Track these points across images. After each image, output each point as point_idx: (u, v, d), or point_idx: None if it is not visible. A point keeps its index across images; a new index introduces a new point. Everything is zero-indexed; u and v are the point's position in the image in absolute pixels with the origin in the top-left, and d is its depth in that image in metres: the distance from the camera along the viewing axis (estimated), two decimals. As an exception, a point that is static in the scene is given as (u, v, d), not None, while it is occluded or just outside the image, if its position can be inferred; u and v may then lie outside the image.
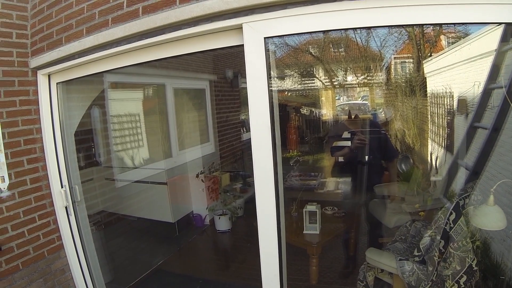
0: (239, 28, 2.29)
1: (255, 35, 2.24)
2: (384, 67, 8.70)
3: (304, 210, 4.21)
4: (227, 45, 2.43)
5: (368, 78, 8.62)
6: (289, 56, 8.69)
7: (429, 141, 6.57)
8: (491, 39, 3.81)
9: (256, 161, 2.35)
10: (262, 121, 2.28)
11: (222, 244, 5.85)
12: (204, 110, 7.64)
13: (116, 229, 5.17)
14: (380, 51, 8.32)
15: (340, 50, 8.82)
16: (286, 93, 8.92)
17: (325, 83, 8.86)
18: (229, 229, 5.77)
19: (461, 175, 3.90)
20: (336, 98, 9.37)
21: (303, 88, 9.04)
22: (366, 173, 4.75)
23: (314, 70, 8.86)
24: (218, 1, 2.28)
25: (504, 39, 3.42)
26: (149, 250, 5.44)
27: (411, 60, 8.50)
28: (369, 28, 2.19)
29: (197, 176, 6.17)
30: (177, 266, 5.26)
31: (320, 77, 8.90)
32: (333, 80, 8.93)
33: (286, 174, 5.95)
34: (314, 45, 8.81)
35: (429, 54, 7.80)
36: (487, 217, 2.72)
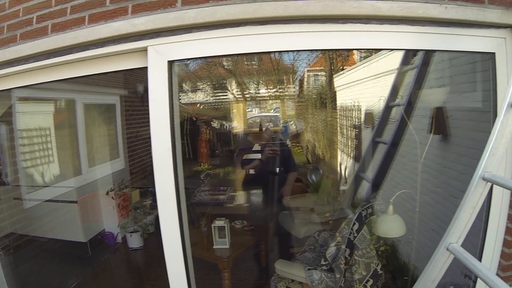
0: (145, 50, 2.28)
1: (159, 58, 2.24)
2: (297, 80, 8.96)
3: (212, 225, 4.22)
4: (132, 67, 2.39)
5: (280, 90, 8.85)
6: (201, 68, 8.72)
7: (339, 152, 6.87)
8: (395, 58, 4.11)
9: (158, 185, 2.35)
10: (163, 145, 2.27)
11: (135, 262, 5.74)
12: (114, 126, 7.48)
13: (27, 253, 4.89)
14: (293, 64, 8.56)
15: (253, 63, 8.98)
16: (198, 105, 8.93)
17: (237, 96, 8.98)
18: (141, 246, 5.68)
19: (362, 188, 4.15)
20: (249, 110, 9.50)
21: (214, 100, 9.10)
22: (276, 185, 4.86)
23: (227, 82, 8.94)
24: (125, 23, 2.27)
25: (404, 61, 3.71)
26: (62, 272, 5.17)
27: (324, 73, 8.83)
28: (274, 52, 2.30)
29: (107, 193, 6.03)
30: (91, 286, 5.11)
31: (232, 89, 9.00)
32: (245, 92, 9.06)
33: (196, 188, 5.96)
34: (227, 58, 8.93)
35: (341, 68, 8.14)
36: (387, 226, 2.94)
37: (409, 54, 3.64)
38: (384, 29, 2.26)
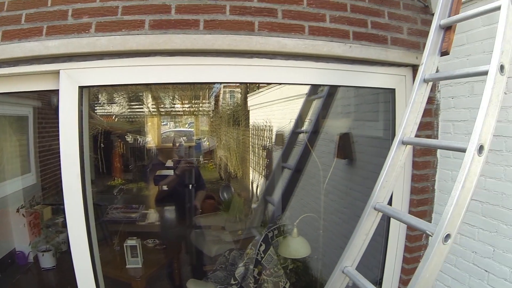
0: (57, 73, 2.25)
1: (70, 83, 2.23)
2: (213, 95, 9.01)
3: (124, 244, 4.15)
4: (45, 88, 2.34)
5: (195, 106, 8.84)
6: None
7: (251, 170, 7.00)
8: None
9: (68, 208, 2.32)
10: (71, 169, 2.25)
11: (48, 282, 5.48)
12: (26, 139, 7.13)
13: None
14: (224, 83, 8.61)
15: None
16: (113, 117, 8.72)
17: (152, 110, 8.87)
18: (54, 266, 5.44)
19: (269, 211, 4.29)
20: (163, 123, 9.41)
21: (130, 113, 8.92)
22: (188, 201, 4.89)
23: (143, 95, 8.81)
24: (39, 44, 2.22)
25: (312, 90, 3.90)
26: None
27: (240, 91, 8.94)
28: (177, 84, 2.36)
29: (18, 210, 5.73)
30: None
31: (148, 103, 8.88)
32: (159, 107, 8.97)
33: (109, 205, 5.83)
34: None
35: (257, 87, 8.27)
36: (292, 248, 3.07)
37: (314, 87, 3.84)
38: (289, 64, 2.41)
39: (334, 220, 4.19)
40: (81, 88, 2.25)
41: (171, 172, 5.04)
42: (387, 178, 2.00)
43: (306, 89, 4.17)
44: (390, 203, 2.38)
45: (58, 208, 6.66)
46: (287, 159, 4.18)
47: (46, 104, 7.31)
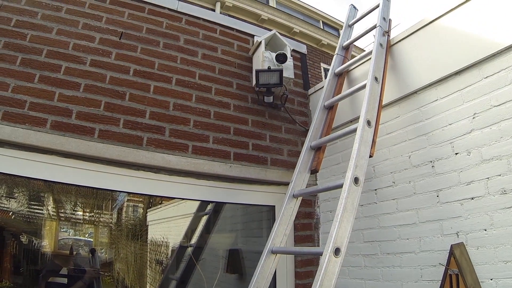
0: None
1: None
2: (116, 208, 8.85)
3: None
4: None
5: (96, 216, 8.62)
6: (20, 176, 8.24)
7: (148, 285, 6.77)
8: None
9: None
10: None
11: None
12: None
13: None
14: (112, 191, 8.51)
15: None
16: (10, 214, 8.26)
17: (52, 213, 8.53)
18: None
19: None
20: (63, 230, 9.02)
21: (28, 213, 8.51)
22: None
23: (45, 196, 8.49)
24: None
25: (200, 207, 4.03)
26: None
27: (142, 205, 8.86)
28: (69, 184, 2.43)
29: None
30: None
31: (48, 205, 8.55)
32: (60, 211, 8.65)
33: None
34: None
35: (160, 202, 8.26)
36: None
37: (205, 202, 3.98)
38: (173, 180, 2.57)
39: None
40: None
41: (65, 280, 4.83)
42: (257, 284, 2.10)
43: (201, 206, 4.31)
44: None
45: None
46: (176, 271, 4.16)
47: None
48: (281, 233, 2.24)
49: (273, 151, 2.95)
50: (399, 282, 2.42)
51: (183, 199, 2.83)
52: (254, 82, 3.02)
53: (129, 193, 4.84)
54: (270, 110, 3.14)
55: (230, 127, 2.85)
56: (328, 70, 4.16)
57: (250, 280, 3.96)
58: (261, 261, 2.17)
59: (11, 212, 8.43)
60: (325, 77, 4.16)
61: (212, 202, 3.60)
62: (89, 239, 9.39)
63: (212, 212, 3.81)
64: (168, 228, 6.60)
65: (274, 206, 2.92)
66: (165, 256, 6.33)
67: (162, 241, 6.49)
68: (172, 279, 4.14)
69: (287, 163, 3.00)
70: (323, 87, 2.96)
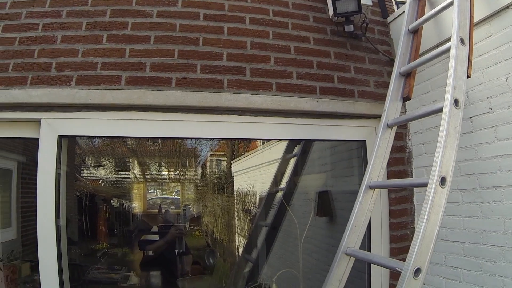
0: (38, 122, 2.34)
1: (50, 131, 2.31)
2: (199, 164, 9.02)
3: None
4: (25, 136, 2.45)
5: (181, 174, 8.84)
6: (105, 145, 8.57)
7: (236, 236, 6.89)
8: (279, 149, 4.35)
9: (41, 253, 2.30)
10: (47, 215, 2.27)
11: None
12: (9, 192, 7.05)
13: None
14: (194, 148, 8.64)
15: (155, 144, 8.96)
16: (99, 182, 8.67)
17: (138, 176, 8.85)
18: None
19: (247, 269, 4.21)
20: (150, 191, 9.35)
21: (116, 179, 8.89)
22: (175, 267, 4.79)
23: (130, 161, 8.81)
24: (23, 92, 2.33)
25: (287, 150, 3.94)
26: None
27: (225, 159, 8.98)
28: (151, 138, 2.42)
29: None
30: None
31: (134, 169, 8.87)
32: (146, 173, 8.96)
33: (90, 266, 5.69)
34: (131, 138, 8.83)
35: (242, 154, 8.32)
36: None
37: (293, 143, 3.89)
38: (259, 120, 2.47)
39: (319, 278, 4.10)
40: (60, 137, 2.32)
41: (156, 237, 4.99)
42: (356, 222, 2.00)
43: (278, 155, 4.24)
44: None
45: (37, 265, 6.47)
46: (265, 218, 4.15)
47: (31, 160, 7.27)
48: (378, 166, 2.10)
49: (359, 83, 2.79)
50: (501, 219, 2.17)
51: (271, 139, 2.75)
52: (331, 12, 2.82)
53: (214, 139, 4.84)
54: (351, 41, 2.95)
55: (312, 61, 2.71)
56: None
57: (339, 222, 3.89)
58: (359, 197, 2.05)
59: (100, 180, 8.86)
60: (397, 7, 3.88)
61: (301, 140, 3.50)
62: (176, 196, 9.70)
63: (299, 154, 3.73)
64: (253, 177, 6.64)
65: (365, 140, 2.77)
66: (252, 205, 6.38)
67: (249, 191, 6.54)
68: (263, 226, 4.13)
69: (375, 94, 2.83)
70: (403, 12, 2.71)
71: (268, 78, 2.55)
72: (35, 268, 6.49)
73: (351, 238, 1.99)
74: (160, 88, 2.40)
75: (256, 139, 2.91)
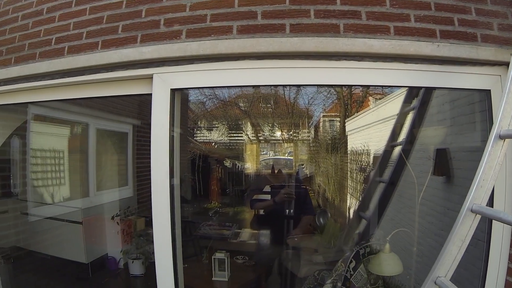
0: (150, 78, 2.43)
1: (163, 86, 2.38)
2: (312, 125, 9.00)
3: (213, 257, 4.24)
4: (139, 92, 2.56)
5: (294, 134, 8.89)
6: (217, 108, 8.83)
7: (348, 196, 6.83)
8: (397, 103, 4.17)
9: (154, 208, 2.41)
10: (161, 169, 2.36)
11: None
12: (125, 154, 7.56)
13: (26, 265, 4.91)
14: (307, 108, 8.62)
15: (268, 105, 9.05)
16: (213, 144, 9.00)
17: (251, 137, 9.04)
18: (142, 274, 5.62)
19: (362, 227, 4.12)
20: (263, 152, 9.53)
21: (229, 141, 9.16)
22: (285, 227, 4.86)
23: (242, 123, 9.02)
24: (134, 50, 2.43)
25: (406, 100, 3.76)
26: None
27: (338, 119, 8.86)
28: (267, 86, 2.41)
29: (113, 218, 6.04)
30: (87, 308, 5.07)
31: (247, 131, 9.06)
32: (259, 134, 9.12)
33: (201, 223, 5.97)
34: (244, 99, 8.99)
35: (355, 113, 8.18)
36: (383, 264, 2.91)
37: (411, 94, 3.70)
38: (377, 66, 2.34)
39: (431, 243, 3.92)
40: (173, 90, 2.39)
41: (268, 197, 5.07)
42: (484, 176, 1.82)
43: (396, 110, 4.06)
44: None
45: (151, 221, 6.93)
46: (382, 174, 4.02)
47: (145, 124, 7.75)
48: (508, 113, 1.87)
49: (481, 26, 2.53)
50: None
51: (391, 86, 2.61)
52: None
53: (333, 85, 4.75)
54: (469, -21, 2.70)
55: (430, 3, 2.49)
56: None
57: (457, 183, 3.66)
58: (487, 148, 1.85)
59: (213, 143, 9.20)
60: None
61: (420, 88, 3.32)
62: (288, 157, 9.82)
63: (418, 106, 3.54)
64: (368, 135, 6.49)
65: (490, 90, 2.52)
66: (366, 163, 6.27)
67: (363, 150, 6.43)
68: (379, 182, 4.02)
69: (499, 39, 2.55)
70: None
71: (385, 22, 2.40)
72: (149, 223, 6.97)
73: (478, 194, 1.80)
74: (274, 35, 2.34)
75: (376, 86, 2.78)
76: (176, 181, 2.47)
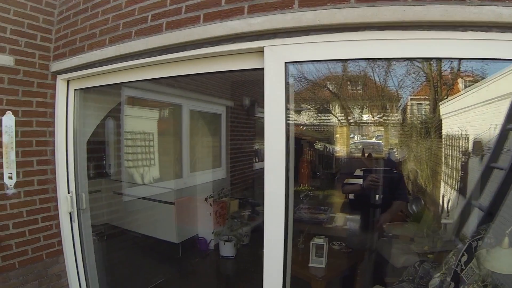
0: (260, 51, 2.32)
1: (276, 59, 2.26)
2: (401, 108, 8.67)
3: (311, 242, 4.13)
4: (247, 67, 2.46)
5: (383, 117, 8.59)
6: (306, 90, 8.70)
7: (442, 183, 6.47)
8: (509, 81, 3.78)
9: (268, 190, 2.32)
10: (277, 146, 2.28)
11: (225, 269, 5.74)
12: (218, 136, 7.64)
13: (118, 243, 5.10)
14: (397, 91, 8.30)
15: (357, 88, 8.80)
16: (301, 127, 8.90)
17: (341, 120, 8.83)
18: (233, 256, 5.65)
19: (474, 217, 3.80)
20: (351, 136, 9.33)
21: (318, 123, 9.01)
22: (376, 213, 4.70)
23: (331, 106, 8.84)
24: (241, 22, 2.31)
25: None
26: (150, 267, 5.32)
27: (427, 102, 8.46)
28: (386, 59, 2.20)
29: (206, 199, 6.10)
30: (176, 287, 5.15)
31: (336, 113, 8.87)
32: (348, 117, 8.90)
33: (295, 206, 5.87)
34: (332, 81, 8.79)
35: (445, 97, 7.78)
36: (501, 260, 2.62)
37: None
38: (506, 37, 2.04)
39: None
40: (286, 64, 2.26)
41: (360, 181, 4.91)
42: None
43: (509, 88, 3.68)
44: None
45: (246, 203, 6.99)
46: (496, 160, 3.67)
47: (239, 105, 7.76)
48: None
49: None
50: None
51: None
52: None
53: (457, 59, 4.42)
54: None
55: None
56: None
57: None
58: None
59: (302, 125, 9.08)
60: None
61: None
62: (378, 141, 9.54)
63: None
64: (466, 119, 6.06)
65: None
66: (464, 149, 5.88)
67: (461, 134, 6.03)
68: (494, 168, 3.68)
69: None
70: None
71: (516, -15, 2.13)
72: (243, 205, 7.00)
73: None
74: (396, 3, 2.12)
75: (506, 60, 2.50)
76: (291, 162, 2.35)
